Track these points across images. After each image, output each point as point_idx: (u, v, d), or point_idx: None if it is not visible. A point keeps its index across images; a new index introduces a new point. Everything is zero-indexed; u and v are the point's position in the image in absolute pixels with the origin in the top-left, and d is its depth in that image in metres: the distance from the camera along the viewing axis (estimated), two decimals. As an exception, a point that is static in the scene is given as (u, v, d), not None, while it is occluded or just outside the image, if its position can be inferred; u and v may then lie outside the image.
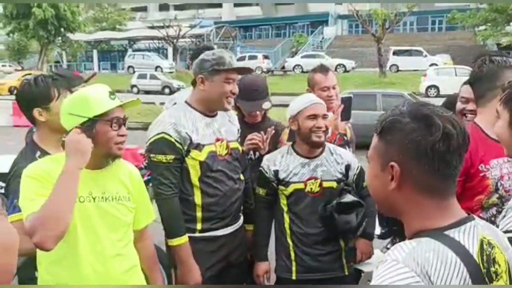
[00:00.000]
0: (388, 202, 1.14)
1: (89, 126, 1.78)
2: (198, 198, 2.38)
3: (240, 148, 2.61)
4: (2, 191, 3.16)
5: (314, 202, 2.48)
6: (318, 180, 2.48)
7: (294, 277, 2.53)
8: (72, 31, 38.05)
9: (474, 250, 1.04)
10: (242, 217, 2.62)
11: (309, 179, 2.48)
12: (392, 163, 1.08)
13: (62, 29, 37.58)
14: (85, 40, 42.18)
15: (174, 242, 2.31)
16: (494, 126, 1.79)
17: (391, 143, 1.09)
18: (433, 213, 1.08)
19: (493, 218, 1.87)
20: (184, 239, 2.32)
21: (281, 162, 2.53)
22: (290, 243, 2.54)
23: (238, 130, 2.63)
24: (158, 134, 2.31)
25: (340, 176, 2.52)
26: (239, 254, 2.58)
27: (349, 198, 2.45)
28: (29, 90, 2.14)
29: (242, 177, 2.59)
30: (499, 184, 1.96)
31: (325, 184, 2.49)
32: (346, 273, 2.57)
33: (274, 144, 2.83)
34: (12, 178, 2.03)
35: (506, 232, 1.32)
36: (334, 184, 2.50)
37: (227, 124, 2.54)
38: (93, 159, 1.79)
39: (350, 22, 41.73)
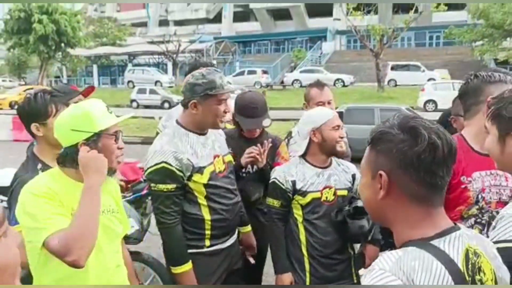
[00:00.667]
0: (378, 211, 1.18)
1: (94, 141, 1.80)
2: (207, 215, 2.41)
3: (233, 160, 2.66)
4: (2, 204, 3.19)
5: (330, 210, 2.53)
6: (332, 188, 2.54)
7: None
8: (72, 46, 38.32)
9: (459, 259, 1.07)
10: None
11: (325, 188, 2.53)
12: (381, 172, 1.13)
13: (62, 44, 37.87)
14: (85, 55, 42.46)
15: (178, 270, 2.33)
16: (478, 139, 1.83)
17: (381, 153, 1.14)
18: (420, 222, 1.12)
19: (471, 228, 1.90)
20: (188, 266, 2.34)
21: (297, 172, 2.55)
22: (305, 253, 2.54)
23: (226, 140, 2.69)
24: (158, 164, 2.30)
25: (349, 184, 2.60)
26: (237, 261, 2.65)
27: (361, 202, 2.47)
28: (29, 105, 2.20)
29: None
30: (479, 196, 2.00)
31: (339, 193, 2.55)
32: (355, 281, 2.60)
33: (272, 158, 2.87)
34: (14, 189, 2.05)
35: (496, 242, 1.35)
36: (346, 192, 2.57)
37: (219, 139, 2.59)
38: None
39: (348, 37, 42.08)
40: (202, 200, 2.40)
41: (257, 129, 2.95)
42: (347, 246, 2.59)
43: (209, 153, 2.44)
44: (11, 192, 2.08)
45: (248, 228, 2.82)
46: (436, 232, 1.10)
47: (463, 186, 1.99)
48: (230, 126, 2.83)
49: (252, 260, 2.84)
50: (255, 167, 2.88)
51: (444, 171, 1.11)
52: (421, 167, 1.09)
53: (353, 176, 2.63)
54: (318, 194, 2.52)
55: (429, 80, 25.64)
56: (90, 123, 1.80)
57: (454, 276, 1.04)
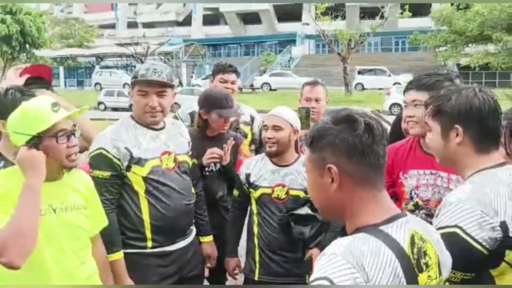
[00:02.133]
0: (331, 206, 1.23)
1: (35, 143, 1.76)
2: (146, 215, 2.36)
3: (190, 162, 2.61)
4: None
5: (280, 208, 2.58)
6: (285, 187, 2.58)
7: (256, 278, 2.63)
8: (37, 47, 37.39)
9: (405, 243, 1.13)
10: (194, 231, 2.64)
11: (277, 185, 2.59)
12: (329, 165, 1.17)
13: (27, 45, 36.89)
14: (51, 57, 41.49)
15: (110, 257, 2.26)
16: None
17: (323, 149, 1.19)
18: (370, 208, 1.18)
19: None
20: (118, 255, 2.30)
21: (254, 166, 2.65)
22: (256, 244, 2.64)
23: (189, 143, 2.65)
24: (97, 149, 2.31)
25: None
26: (192, 268, 2.59)
27: (303, 211, 2.53)
28: None
29: (193, 190, 2.60)
30: (413, 193, 2.12)
31: (291, 192, 2.58)
32: (307, 282, 2.63)
33: (234, 154, 2.93)
34: None
35: (439, 228, 1.43)
36: (301, 193, 2.56)
37: (176, 137, 2.54)
38: (48, 172, 1.78)
39: (317, 42, 42.54)
40: (141, 195, 2.35)
41: (233, 118, 3.00)
42: (297, 247, 2.60)
43: (157, 148, 2.40)
44: None
45: (209, 238, 2.79)
46: (384, 218, 1.16)
47: (399, 181, 2.14)
48: (183, 125, 2.80)
49: (206, 271, 2.85)
50: (218, 165, 2.92)
51: (383, 150, 1.19)
52: (364, 150, 1.15)
53: None
54: (268, 190, 2.59)
55: (394, 84, 26.21)
56: (28, 125, 1.76)
57: (401, 259, 1.10)
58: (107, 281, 2.14)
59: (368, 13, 31.41)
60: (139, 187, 2.35)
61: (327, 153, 1.19)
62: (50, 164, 1.80)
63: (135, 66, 39.22)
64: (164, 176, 2.40)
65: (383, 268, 1.07)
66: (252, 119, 3.48)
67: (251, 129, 3.45)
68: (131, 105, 25.91)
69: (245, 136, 3.31)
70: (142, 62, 33.94)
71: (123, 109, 25.33)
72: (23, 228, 1.63)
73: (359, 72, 30.24)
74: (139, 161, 2.33)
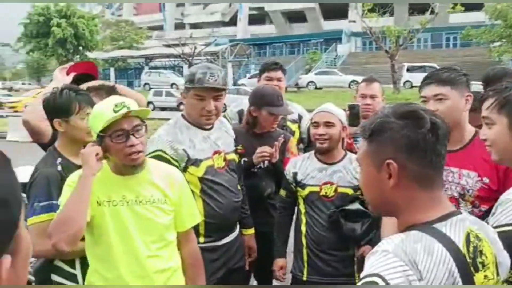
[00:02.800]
0: (384, 202, 1.20)
1: (99, 141, 1.87)
2: (201, 212, 2.39)
3: (236, 159, 2.67)
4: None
5: (328, 206, 2.55)
6: (334, 185, 2.56)
7: (305, 278, 2.61)
8: (90, 49, 38.95)
9: (460, 242, 1.10)
10: (238, 225, 2.70)
11: (325, 183, 2.57)
12: (388, 160, 1.14)
13: (80, 48, 38.51)
14: (103, 58, 42.98)
15: None
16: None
17: (383, 143, 1.15)
18: (426, 206, 1.14)
19: None
20: None
21: (301, 165, 2.65)
22: (304, 244, 2.62)
23: (234, 140, 2.70)
24: (154, 151, 2.34)
25: (357, 183, 2.54)
26: (238, 260, 2.65)
27: (354, 206, 2.50)
28: (54, 101, 2.23)
29: (239, 187, 2.65)
30: None
31: (340, 190, 2.55)
32: (356, 282, 2.62)
33: (282, 152, 2.93)
34: (34, 181, 2.12)
35: (496, 227, 1.38)
36: (350, 191, 2.55)
37: (224, 136, 2.60)
38: (119, 167, 1.91)
39: (363, 39, 41.84)
40: (197, 194, 2.40)
41: (285, 115, 3.02)
42: (347, 245, 2.57)
43: (209, 148, 2.46)
44: (30, 184, 2.14)
45: (251, 231, 2.84)
46: (438, 215, 1.13)
47: None
48: (227, 123, 2.84)
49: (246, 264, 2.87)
50: (266, 162, 2.92)
51: (444, 150, 1.15)
52: (427, 148, 1.12)
53: None
54: (316, 189, 2.57)
55: (445, 81, 25.38)
56: (94, 125, 1.87)
57: (456, 258, 1.06)
58: (194, 279, 2.14)
59: (418, 9, 30.56)
60: (195, 187, 2.40)
61: (386, 147, 1.15)
62: (114, 161, 1.91)
63: (182, 67, 40.07)
64: (217, 176, 2.46)
65: (437, 267, 1.04)
66: (300, 117, 3.46)
67: (299, 127, 3.43)
68: (179, 105, 26.59)
69: (292, 134, 3.31)
70: (189, 63, 34.73)
71: (171, 109, 25.88)
72: (68, 215, 1.76)
73: (407, 70, 29.46)
74: (195, 162, 2.39)
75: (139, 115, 1.90)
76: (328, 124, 2.53)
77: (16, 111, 26.16)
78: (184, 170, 2.38)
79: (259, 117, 2.92)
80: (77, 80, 2.78)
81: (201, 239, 2.43)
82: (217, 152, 2.49)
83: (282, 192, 2.76)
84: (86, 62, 2.95)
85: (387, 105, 1.26)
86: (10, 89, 40.86)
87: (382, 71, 32.18)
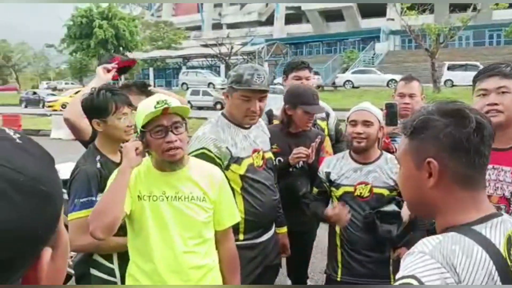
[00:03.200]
0: (422, 202, 1.16)
1: (141, 137, 1.94)
2: (241, 210, 2.41)
3: (273, 157, 2.70)
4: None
5: (363, 206, 2.52)
6: (368, 185, 2.52)
7: (339, 278, 2.59)
8: (130, 50, 39.76)
9: (501, 245, 1.05)
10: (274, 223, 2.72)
11: (360, 183, 2.54)
12: (429, 159, 1.10)
13: (121, 48, 39.37)
14: (142, 58, 43.82)
15: None
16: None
17: (425, 141, 1.11)
18: (466, 207, 1.10)
19: None
20: None
21: (335, 165, 2.63)
22: (338, 244, 2.60)
23: (270, 139, 2.73)
24: (198, 149, 2.37)
25: (392, 184, 2.51)
26: (274, 257, 2.67)
27: (390, 207, 2.46)
28: (91, 102, 2.30)
29: (276, 185, 2.67)
30: None
31: (375, 190, 2.51)
32: (392, 283, 2.57)
33: (317, 152, 2.92)
34: (74, 177, 2.20)
35: None
36: (385, 191, 2.51)
37: (261, 135, 2.63)
38: (159, 163, 1.98)
39: (402, 37, 41.06)
40: (238, 192, 2.43)
41: (319, 113, 3.01)
42: (383, 246, 2.53)
43: (249, 146, 2.49)
44: (71, 180, 2.21)
45: (284, 229, 2.85)
46: (478, 217, 1.09)
47: None
48: (262, 122, 2.84)
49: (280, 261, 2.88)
50: (301, 162, 2.92)
51: (489, 151, 1.11)
52: (470, 149, 1.07)
53: None
54: (351, 189, 2.54)
55: (488, 80, 24.58)
56: (137, 120, 1.94)
57: (496, 261, 1.02)
58: (230, 279, 2.15)
59: (459, 6, 29.72)
60: (236, 184, 2.43)
61: (428, 145, 1.11)
62: (155, 157, 1.98)
63: (219, 66, 40.41)
64: (257, 174, 2.49)
65: (476, 270, 1.00)
66: (327, 115, 3.45)
67: (327, 124, 3.43)
68: (215, 104, 26.91)
69: (323, 131, 3.31)
70: (226, 62, 34.98)
71: (208, 108, 26.18)
72: (105, 205, 1.84)
73: (448, 68, 28.68)
74: (237, 160, 2.42)
75: (179, 113, 1.94)
76: (366, 123, 2.50)
77: (54, 110, 27.15)
78: (227, 168, 2.41)
79: (294, 116, 2.92)
80: (119, 74, 2.88)
81: (241, 237, 2.46)
82: (256, 151, 2.52)
83: (314, 190, 2.77)
84: (128, 59, 3.04)
85: (429, 103, 1.21)
86: (54, 89, 42.31)
87: (422, 69, 31.51)
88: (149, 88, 2.70)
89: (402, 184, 1.23)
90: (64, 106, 27.97)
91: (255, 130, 2.60)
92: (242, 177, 2.44)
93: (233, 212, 2.17)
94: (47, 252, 0.58)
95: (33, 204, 0.54)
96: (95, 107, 2.29)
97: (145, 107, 1.90)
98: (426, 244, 1.04)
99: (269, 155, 2.64)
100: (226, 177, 2.33)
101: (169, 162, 1.96)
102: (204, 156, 2.33)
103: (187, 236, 1.97)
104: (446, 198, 1.11)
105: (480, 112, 1.13)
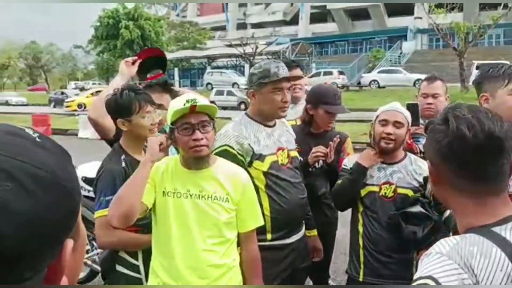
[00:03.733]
0: (440, 199, 1.22)
1: (170, 133, 1.98)
2: (266, 208, 2.42)
3: (299, 157, 2.68)
4: (88, 194, 3.50)
5: (387, 206, 2.50)
6: (393, 185, 2.50)
7: (361, 279, 2.56)
8: (155, 50, 40.19)
9: None
10: (304, 225, 2.69)
11: (384, 183, 2.52)
12: (428, 161, 1.17)
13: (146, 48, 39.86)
14: (168, 59, 44.24)
15: None
16: None
17: (428, 144, 1.18)
18: (473, 211, 1.10)
19: None
20: None
21: None
22: (361, 244, 2.57)
23: (295, 139, 2.71)
24: (221, 146, 2.39)
25: (417, 185, 2.50)
26: (304, 259, 2.65)
27: (416, 209, 2.43)
28: (115, 102, 2.33)
29: (303, 184, 2.65)
30: None
31: (399, 191, 2.50)
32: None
33: (338, 152, 2.91)
34: (100, 177, 2.23)
35: None
36: (410, 192, 2.49)
37: (286, 134, 2.63)
38: (186, 161, 2.01)
39: (430, 36, 40.40)
40: (262, 189, 2.42)
41: (342, 113, 3.00)
42: (407, 247, 2.50)
43: (273, 144, 2.49)
44: (97, 179, 2.25)
45: (314, 232, 2.83)
46: (497, 219, 1.08)
47: None
48: (287, 122, 2.83)
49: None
50: (321, 162, 2.91)
51: (487, 160, 1.07)
52: (453, 159, 1.08)
53: (425, 179, 2.48)
54: (376, 188, 2.52)
55: (519, 80, 23.96)
56: (168, 117, 1.97)
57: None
58: (251, 279, 2.16)
59: (489, 4, 29.04)
60: (260, 182, 2.43)
61: (429, 148, 1.17)
62: (182, 154, 2.01)
63: (243, 66, 40.52)
64: (281, 171, 2.49)
65: (494, 271, 0.99)
66: None
67: None
68: (239, 104, 27.00)
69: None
70: (251, 62, 35.05)
71: (232, 108, 26.26)
72: (122, 194, 1.88)
73: (477, 67, 28.05)
74: (260, 157, 2.43)
75: (207, 111, 1.97)
76: (397, 124, 2.47)
77: (73, 110, 27.79)
78: (249, 165, 2.42)
79: (315, 116, 2.92)
80: (145, 68, 2.89)
81: (268, 236, 2.45)
82: (280, 149, 2.52)
83: (339, 182, 2.66)
84: (152, 49, 3.07)
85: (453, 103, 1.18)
86: (82, 89, 43.12)
87: (450, 68, 30.93)
88: (172, 87, 2.70)
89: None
90: (80, 106, 28.96)
91: (279, 129, 2.59)
92: (266, 174, 2.44)
93: (256, 214, 2.16)
94: (69, 243, 0.61)
95: (54, 197, 0.57)
96: (119, 107, 2.31)
97: (175, 105, 1.94)
98: (443, 245, 1.05)
99: (295, 153, 2.63)
100: (250, 174, 2.34)
101: (194, 159, 1.99)
102: (226, 153, 2.35)
103: (207, 234, 1.99)
104: (449, 200, 1.16)
105: (479, 118, 1.08)
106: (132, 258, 2.26)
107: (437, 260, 1.02)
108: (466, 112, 1.10)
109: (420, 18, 38.11)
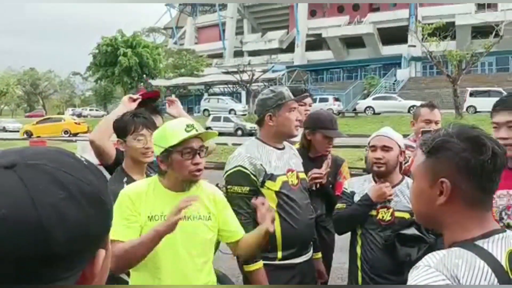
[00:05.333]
0: (431, 216, 1.24)
1: (165, 156, 2.01)
2: (277, 227, 2.45)
3: (307, 178, 2.77)
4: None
5: (385, 230, 2.54)
6: (390, 209, 2.56)
7: None
8: (153, 77, 40.55)
9: (502, 258, 1.11)
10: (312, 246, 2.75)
11: (382, 207, 2.57)
12: (443, 179, 1.17)
13: (144, 76, 40.17)
14: (165, 86, 44.57)
15: (251, 267, 2.36)
16: None
17: (441, 161, 1.18)
18: (471, 224, 1.17)
19: None
20: (259, 264, 2.39)
21: (359, 186, 2.68)
22: (359, 266, 2.61)
23: (302, 163, 2.80)
24: (235, 167, 2.51)
25: None
26: (310, 280, 2.70)
27: (410, 231, 2.47)
28: (116, 122, 2.50)
29: (312, 206, 2.72)
30: (503, 213, 2.00)
31: (397, 214, 2.55)
32: None
33: (334, 176, 2.98)
34: None
35: None
36: (407, 215, 2.53)
37: (294, 157, 2.72)
38: (174, 183, 2.05)
39: (424, 63, 40.97)
40: (274, 209, 2.44)
41: (338, 138, 3.08)
42: (403, 270, 2.48)
43: (283, 165, 2.59)
44: None
45: (319, 255, 2.88)
46: (481, 233, 1.15)
47: None
48: (294, 147, 2.94)
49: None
50: (318, 184, 2.97)
51: (499, 177, 1.18)
52: (483, 175, 1.15)
53: None
54: (373, 212, 2.58)
55: (512, 106, 24.22)
56: (163, 139, 2.01)
57: (498, 274, 1.08)
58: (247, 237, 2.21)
59: (481, 32, 29.60)
60: (272, 201, 2.48)
61: (444, 166, 1.18)
62: (175, 177, 2.04)
63: (240, 93, 40.80)
64: (292, 192, 2.57)
65: (479, 281, 1.06)
66: None
67: None
68: (236, 130, 27.09)
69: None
70: (247, 89, 35.31)
71: (229, 134, 26.37)
72: (131, 260, 1.92)
73: (471, 94, 28.39)
74: (272, 177, 2.52)
75: (204, 138, 2.09)
76: (386, 148, 2.55)
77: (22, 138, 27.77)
78: (262, 185, 2.51)
79: (313, 141, 3.01)
80: (142, 106, 3.01)
81: (279, 255, 2.52)
82: (290, 170, 2.61)
83: (340, 206, 2.71)
84: (153, 91, 3.39)
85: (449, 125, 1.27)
86: (79, 115, 43.27)
87: (444, 95, 31.27)
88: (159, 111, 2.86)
89: (413, 197, 1.31)
90: (27, 133, 29.74)
91: (288, 152, 2.70)
92: (277, 193, 2.52)
93: (239, 225, 2.25)
94: (102, 252, 0.70)
95: (96, 209, 0.67)
96: (119, 128, 2.46)
97: (175, 129, 2.01)
98: (431, 258, 1.12)
99: (303, 175, 2.72)
100: (263, 194, 2.42)
101: (189, 182, 2.06)
102: (240, 173, 2.47)
103: (195, 254, 2.06)
104: (454, 216, 1.18)
105: (497, 141, 1.20)
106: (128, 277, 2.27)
107: (425, 272, 1.08)
108: (477, 130, 1.20)
109: (414, 46, 38.65)
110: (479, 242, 1.14)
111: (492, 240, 1.15)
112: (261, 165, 2.51)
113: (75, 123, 32.26)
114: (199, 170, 2.03)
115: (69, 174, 0.67)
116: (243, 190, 2.48)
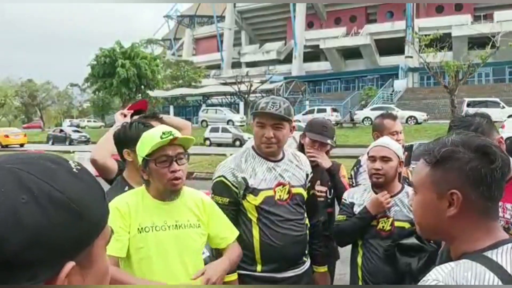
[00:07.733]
0: (437, 228, 1.20)
1: (144, 165, 1.98)
2: (256, 241, 2.44)
3: (305, 194, 2.62)
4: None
5: (385, 240, 2.53)
6: (390, 219, 2.56)
7: None
8: (151, 88, 40.56)
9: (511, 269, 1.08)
10: (308, 262, 2.65)
11: (382, 217, 2.56)
12: (454, 190, 1.13)
13: (142, 87, 40.19)
14: (163, 97, 44.69)
15: (226, 278, 2.29)
16: None
17: (450, 172, 1.15)
18: (480, 235, 1.14)
19: None
20: (234, 276, 2.37)
21: (359, 197, 2.67)
22: (360, 277, 2.60)
23: (308, 175, 2.67)
24: (218, 177, 2.49)
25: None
26: None
27: (410, 240, 2.46)
28: (124, 133, 2.41)
29: (306, 221, 2.63)
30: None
31: (397, 224, 2.54)
32: None
33: (326, 181, 3.03)
34: None
35: None
36: (407, 225, 2.52)
37: (294, 170, 2.58)
38: (158, 193, 2.02)
39: (421, 74, 41.18)
40: (254, 222, 2.46)
41: (322, 142, 3.02)
42: (403, 280, 2.50)
43: (273, 178, 2.50)
44: None
45: (322, 269, 2.81)
46: (490, 243, 1.13)
47: None
48: (303, 157, 2.87)
49: None
50: (332, 192, 3.00)
51: (504, 185, 1.17)
52: (493, 184, 1.12)
53: None
54: (373, 222, 2.56)
55: (509, 117, 24.31)
56: (141, 149, 1.99)
57: (508, 285, 1.05)
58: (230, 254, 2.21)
59: (477, 43, 29.79)
60: (252, 215, 2.47)
61: (453, 177, 1.15)
62: (156, 187, 2.01)
63: (238, 104, 40.87)
64: (276, 207, 2.48)
65: None
66: None
67: None
68: (234, 141, 27.11)
69: None
70: (245, 100, 35.39)
71: (227, 145, 26.36)
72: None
73: (468, 104, 28.45)
74: (253, 191, 2.46)
75: (184, 144, 2.01)
76: (385, 159, 2.54)
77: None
78: (243, 197, 2.47)
79: (304, 145, 3.05)
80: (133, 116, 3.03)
81: (258, 268, 2.47)
82: (280, 184, 2.51)
83: (340, 218, 2.71)
84: (139, 101, 3.44)
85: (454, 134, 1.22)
86: (77, 126, 43.21)
87: (441, 106, 31.41)
88: (161, 116, 2.83)
89: (419, 210, 1.25)
90: None
91: (287, 164, 2.58)
92: (257, 208, 2.46)
93: (230, 226, 2.25)
94: (68, 265, 0.64)
95: (63, 218, 0.62)
96: (127, 138, 2.38)
97: (150, 137, 1.97)
98: (439, 271, 1.08)
99: (299, 190, 2.58)
100: (243, 207, 2.42)
101: (170, 191, 2.01)
102: (221, 183, 2.45)
103: (188, 261, 2.04)
104: (462, 227, 1.15)
105: (500, 147, 1.18)
106: None
107: (434, 286, 1.05)
108: (482, 139, 1.18)
109: (411, 57, 38.91)
110: (488, 253, 1.11)
111: (501, 250, 1.12)
112: (243, 178, 2.45)
113: (5, 135, 31.05)
114: (176, 178, 1.97)
115: (39, 179, 0.63)
116: (223, 200, 2.44)
